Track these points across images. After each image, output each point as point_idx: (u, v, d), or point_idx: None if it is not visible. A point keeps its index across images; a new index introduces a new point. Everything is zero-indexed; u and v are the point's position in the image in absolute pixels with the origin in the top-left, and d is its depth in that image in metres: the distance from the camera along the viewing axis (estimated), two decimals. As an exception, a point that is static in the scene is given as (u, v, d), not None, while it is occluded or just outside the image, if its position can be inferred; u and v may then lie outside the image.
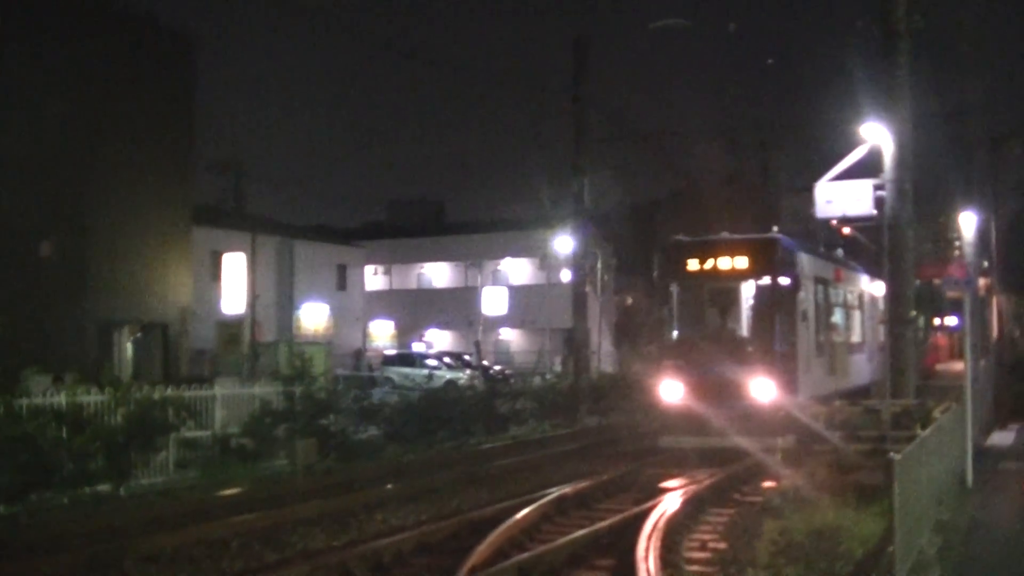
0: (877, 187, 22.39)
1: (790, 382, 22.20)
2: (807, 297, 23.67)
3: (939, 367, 58.94)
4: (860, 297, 31.17)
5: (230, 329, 40.08)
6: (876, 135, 22.00)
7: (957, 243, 43.82)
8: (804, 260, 23.81)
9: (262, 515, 16.80)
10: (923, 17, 22.74)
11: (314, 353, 30.34)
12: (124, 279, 40.08)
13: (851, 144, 23.78)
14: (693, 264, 23.23)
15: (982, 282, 34.34)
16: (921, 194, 26.10)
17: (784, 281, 22.47)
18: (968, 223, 31.65)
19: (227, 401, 23.85)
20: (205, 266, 49.93)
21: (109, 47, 39.70)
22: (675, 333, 23.99)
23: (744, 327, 23.75)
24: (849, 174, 23.47)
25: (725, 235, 24.69)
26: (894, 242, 21.62)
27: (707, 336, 23.52)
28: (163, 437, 20.49)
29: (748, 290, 23.53)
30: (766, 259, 22.73)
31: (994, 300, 38.33)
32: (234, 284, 43.56)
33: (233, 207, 65.10)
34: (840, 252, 31.12)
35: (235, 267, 44.07)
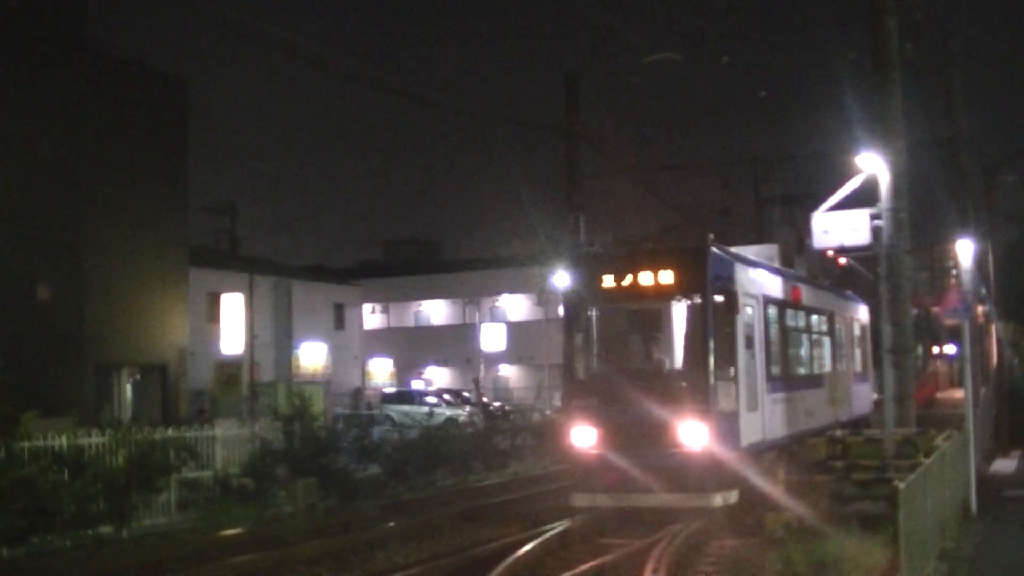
0: (874, 216, 22.22)
1: (729, 425, 18.34)
2: (752, 320, 20.00)
3: (939, 395, 59.03)
4: (831, 321, 27.09)
5: (228, 370, 40.06)
6: (871, 165, 22.01)
7: (954, 271, 43.90)
8: (746, 275, 20.08)
9: (264, 555, 16.79)
10: (915, 47, 22.85)
11: (312, 392, 30.36)
12: (121, 321, 40.04)
13: (847, 174, 23.77)
14: (608, 281, 18.98)
15: (980, 310, 34.33)
16: (916, 223, 26.12)
17: (717, 299, 18.33)
18: (965, 251, 31.65)
19: (227, 441, 23.83)
20: (202, 307, 49.90)
21: (102, 91, 39.82)
22: (588, 366, 20.02)
23: (672, 357, 20.26)
24: (845, 204, 23.39)
25: (648, 245, 21.21)
26: (891, 271, 21.60)
27: (626, 370, 19.93)
28: (164, 478, 20.48)
29: (676, 311, 20.13)
30: (695, 273, 18.55)
31: (992, 328, 38.34)
32: (232, 325, 43.56)
33: (229, 248, 65.28)
34: (801, 272, 26.71)
35: (233, 308, 44.08)
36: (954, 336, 46.83)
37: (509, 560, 14.99)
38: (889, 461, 19.34)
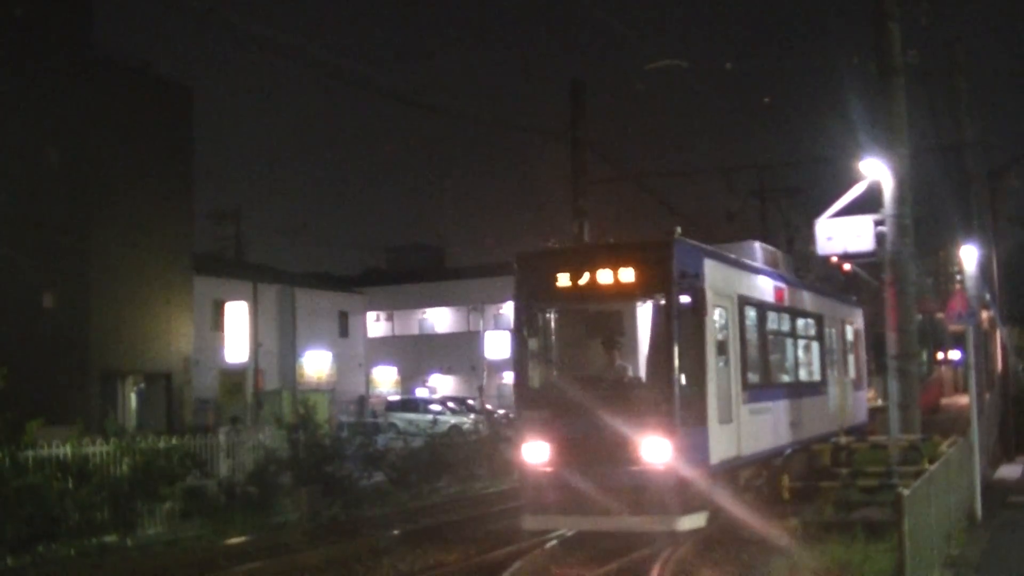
0: (878, 222, 22.21)
1: (696, 439, 16.50)
2: (725, 322, 18.21)
3: (944, 401, 58.96)
4: (820, 325, 25.18)
5: (233, 378, 40.10)
6: (875, 170, 22.03)
7: (958, 276, 43.88)
8: (719, 272, 18.21)
9: (268, 563, 16.78)
10: (918, 52, 22.86)
11: (316, 400, 30.35)
12: (126, 329, 40.10)
13: (851, 180, 23.76)
14: (563, 279, 17.22)
15: (985, 315, 34.28)
16: (920, 228, 26.09)
17: (684, 299, 16.51)
18: (969, 256, 31.65)
19: (232, 449, 23.88)
20: (207, 315, 49.97)
21: (107, 98, 39.92)
22: (542, 373, 18.23)
23: (635, 364, 18.36)
24: (849, 210, 23.38)
25: (609, 241, 19.70)
26: (896, 277, 21.62)
27: (584, 378, 17.95)
28: (168, 487, 20.49)
29: (640, 313, 18.31)
30: (657, 269, 16.77)
31: (997, 333, 38.28)
32: (236, 333, 43.57)
33: (234, 256, 65.33)
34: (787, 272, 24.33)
35: (237, 316, 44.09)
36: (959, 342, 46.78)
37: (513, 567, 14.95)
38: (894, 468, 19.33)
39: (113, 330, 39.59)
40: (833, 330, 26.58)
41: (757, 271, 21.25)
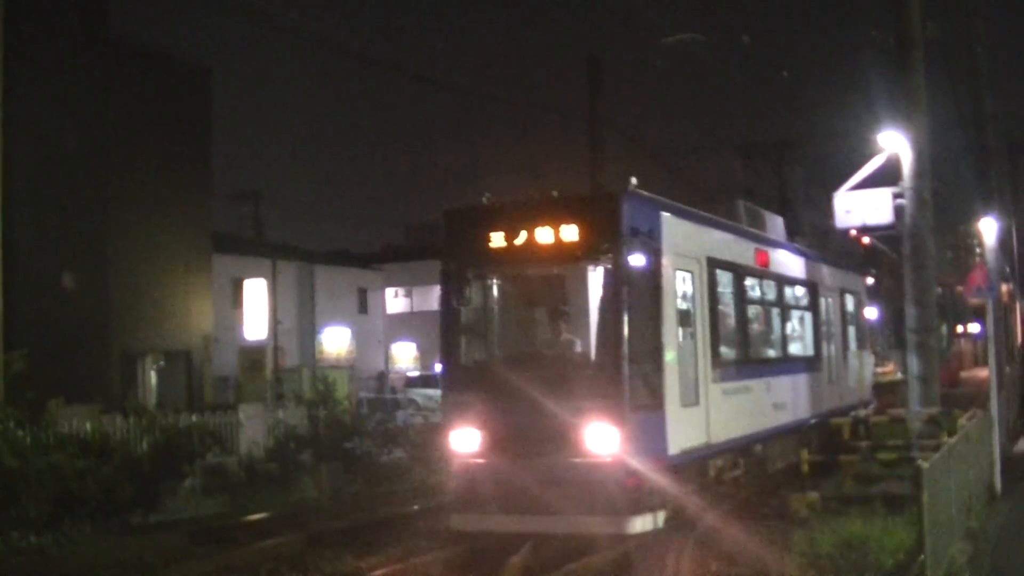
0: (896, 196, 22.12)
1: (651, 426, 14.37)
2: (690, 288, 15.93)
3: (964, 375, 58.83)
4: (814, 294, 22.96)
5: (253, 355, 40.16)
6: (894, 143, 21.95)
7: (978, 250, 43.80)
8: (680, 229, 15.86)
9: (290, 539, 16.83)
10: (938, 26, 22.77)
11: (336, 377, 30.41)
12: (146, 308, 40.22)
13: (869, 153, 23.66)
14: (496, 239, 15.05)
15: (1004, 288, 34.20)
16: (940, 202, 26.01)
17: (635, 261, 14.36)
18: (989, 230, 31.54)
19: (252, 427, 23.97)
20: (226, 293, 50.05)
21: (125, 80, 39.91)
22: (474, 349, 16.24)
23: (582, 338, 15.76)
24: (868, 183, 23.28)
25: (551, 194, 16.57)
26: (915, 250, 21.54)
27: (522, 355, 16.00)
28: (190, 464, 20.59)
29: (588, 279, 15.57)
30: (604, 226, 14.52)
31: (1017, 306, 38.20)
32: (256, 310, 43.64)
33: (252, 234, 65.41)
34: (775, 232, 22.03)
35: (256, 293, 44.17)
36: (978, 315, 46.75)
37: (533, 543, 14.92)
38: (914, 441, 19.31)
39: (133, 309, 39.70)
40: (830, 299, 24.38)
41: (734, 231, 18.90)
